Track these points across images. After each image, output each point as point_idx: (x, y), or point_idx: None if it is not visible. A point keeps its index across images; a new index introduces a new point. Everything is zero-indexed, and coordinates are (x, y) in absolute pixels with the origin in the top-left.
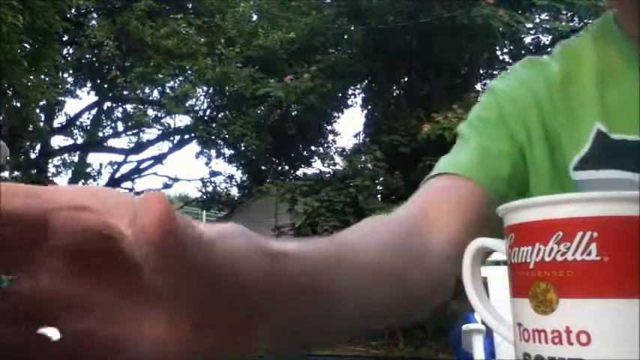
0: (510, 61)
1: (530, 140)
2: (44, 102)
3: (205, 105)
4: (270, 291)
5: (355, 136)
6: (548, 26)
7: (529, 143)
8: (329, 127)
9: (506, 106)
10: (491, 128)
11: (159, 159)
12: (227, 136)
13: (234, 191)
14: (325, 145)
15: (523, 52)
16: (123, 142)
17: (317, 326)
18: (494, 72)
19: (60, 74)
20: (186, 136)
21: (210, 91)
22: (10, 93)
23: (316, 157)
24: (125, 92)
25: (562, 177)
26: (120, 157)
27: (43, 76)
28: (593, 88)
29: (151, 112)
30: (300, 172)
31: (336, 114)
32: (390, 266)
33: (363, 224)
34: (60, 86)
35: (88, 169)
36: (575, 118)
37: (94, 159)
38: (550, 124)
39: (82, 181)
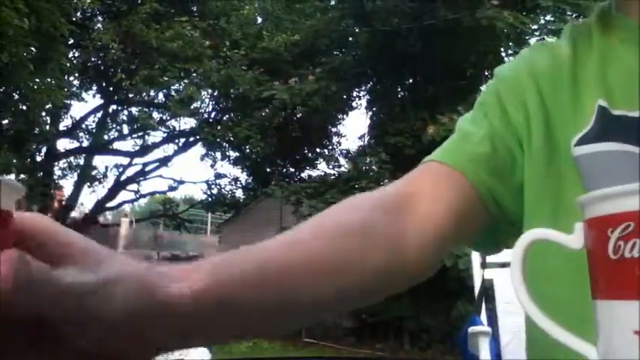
0: None
1: (528, 121)
2: (50, 105)
3: (210, 107)
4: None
5: (360, 138)
6: (553, 27)
7: (527, 124)
8: (334, 129)
9: (504, 89)
10: (488, 110)
11: (164, 161)
12: (232, 139)
13: (239, 193)
14: (330, 147)
15: None
16: (128, 144)
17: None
18: None
19: (65, 77)
20: (192, 139)
21: (215, 93)
22: (16, 96)
23: (321, 159)
24: (130, 95)
25: (559, 155)
26: (125, 160)
27: (48, 79)
28: (597, 67)
29: (156, 115)
30: (305, 174)
31: (340, 116)
32: (342, 255)
33: (329, 210)
34: (65, 89)
35: (94, 172)
36: (581, 96)
37: (100, 162)
38: (551, 105)
39: (88, 183)
